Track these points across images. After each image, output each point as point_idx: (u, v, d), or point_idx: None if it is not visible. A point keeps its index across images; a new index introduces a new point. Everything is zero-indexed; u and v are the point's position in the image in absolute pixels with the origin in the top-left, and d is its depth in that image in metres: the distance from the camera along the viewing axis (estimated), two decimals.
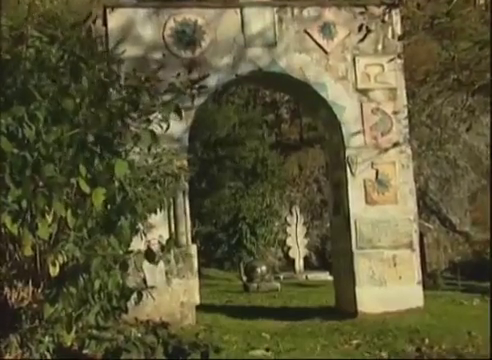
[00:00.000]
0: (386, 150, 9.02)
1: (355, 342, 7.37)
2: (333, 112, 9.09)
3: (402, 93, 9.22)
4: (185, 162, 7.03)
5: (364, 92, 9.11)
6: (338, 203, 9.40)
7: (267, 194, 20.16)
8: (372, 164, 9.02)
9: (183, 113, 4.19)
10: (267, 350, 6.95)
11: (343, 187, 9.14)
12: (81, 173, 3.51)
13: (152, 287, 4.26)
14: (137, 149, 4.17)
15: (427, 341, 7.07)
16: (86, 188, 3.55)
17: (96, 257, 3.70)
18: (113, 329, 5.20)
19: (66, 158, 3.53)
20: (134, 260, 4.02)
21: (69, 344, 4.06)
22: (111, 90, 3.88)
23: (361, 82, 9.09)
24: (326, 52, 9.08)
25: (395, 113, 9.10)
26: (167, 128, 3.92)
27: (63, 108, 3.51)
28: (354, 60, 9.10)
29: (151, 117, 4.02)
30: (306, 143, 24.49)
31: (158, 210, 4.36)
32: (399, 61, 9.09)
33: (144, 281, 4.41)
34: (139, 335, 5.28)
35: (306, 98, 9.84)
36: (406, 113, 9.24)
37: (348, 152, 9.02)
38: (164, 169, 4.51)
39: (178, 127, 7.75)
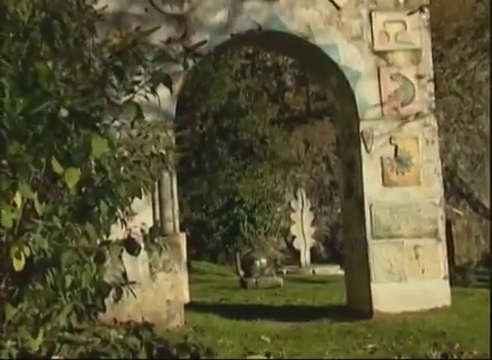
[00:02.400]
0: (407, 122, 9.04)
1: (370, 346, 7.44)
2: (345, 78, 9.08)
3: (428, 55, 9.21)
4: (173, 139, 7.05)
5: (382, 54, 9.10)
6: (351, 185, 9.44)
7: (267, 175, 20.18)
8: (391, 139, 9.04)
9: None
10: (267, 355, 7.02)
11: (356, 166, 9.17)
12: (53, 151, 3.53)
13: (133, 283, 4.28)
14: (118, 123, 4.18)
15: (455, 346, 7.12)
16: (59, 168, 3.56)
17: (67, 250, 3.72)
18: (88, 332, 5.25)
19: (35, 134, 3.54)
20: (112, 251, 4.05)
21: (36, 349, 4.10)
22: (91, 55, 3.89)
23: (379, 42, 9.08)
24: (338, 7, 9.05)
25: (419, 79, 9.10)
26: (152, 94, 3.94)
27: (33, 74, 3.51)
28: (371, 16, 9.07)
29: (135, 87, 4.03)
30: (313, 115, 24.48)
31: (142, 194, 4.38)
32: (424, 17, 9.06)
33: (124, 276, 4.44)
34: (120, 337, 5.34)
35: (314, 62, 9.82)
36: (432, 79, 9.24)
37: (363, 125, 9.04)
38: (149, 147, 4.52)
39: (163, 96, 7.75)
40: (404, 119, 9.06)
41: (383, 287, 8.83)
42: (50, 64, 3.64)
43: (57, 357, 4.37)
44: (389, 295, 8.80)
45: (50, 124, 3.57)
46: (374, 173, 8.99)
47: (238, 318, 9.10)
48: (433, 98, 9.23)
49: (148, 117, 4.72)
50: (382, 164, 9.02)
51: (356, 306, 9.28)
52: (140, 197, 4.24)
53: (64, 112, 3.58)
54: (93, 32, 4.08)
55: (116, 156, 4.14)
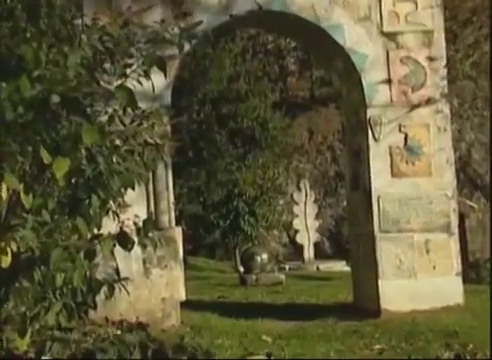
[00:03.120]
0: (418, 109, 9.03)
1: (378, 347, 7.46)
2: (352, 62, 9.07)
3: (440, 37, 9.19)
4: (168, 127, 7.05)
5: (391, 36, 9.08)
6: (357, 176, 9.44)
7: (269, 165, 20.18)
8: (400, 127, 9.03)
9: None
10: (269, 356, 7.04)
11: (363, 156, 9.17)
12: (42, 139, 3.53)
13: (126, 279, 4.30)
14: (109, 110, 4.18)
15: (468, 346, 7.13)
16: (47, 157, 3.57)
17: (56, 247, 3.73)
18: (78, 331, 5.26)
19: (22, 121, 3.54)
20: (104, 246, 4.06)
21: (23, 349, 4.11)
22: (80, 36, 3.88)
23: (388, 23, 9.06)
24: None
25: (431, 62, 9.08)
26: (145, 78, 3.93)
27: (18, 57, 3.50)
28: None
29: (127, 71, 4.03)
30: (318, 101, 24.46)
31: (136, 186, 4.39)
32: None
33: (116, 272, 4.45)
34: (118, 332, 5.37)
35: (318, 45, 9.81)
36: (445, 62, 9.22)
37: (370, 112, 9.03)
38: (143, 135, 4.52)
39: (158, 81, 7.74)
40: (414, 105, 9.05)
41: (391, 284, 8.85)
42: (35, 46, 3.63)
43: (47, 357, 4.38)
44: (398, 293, 8.82)
45: (40, 111, 3.56)
46: (382, 163, 8.99)
47: (237, 317, 9.12)
48: (446, 83, 9.21)
49: (141, 103, 4.71)
50: (391, 153, 9.02)
51: (363, 304, 9.30)
52: (133, 189, 4.26)
53: (55, 98, 3.57)
54: (81, 11, 4.07)
55: (108, 145, 4.14)
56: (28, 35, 3.70)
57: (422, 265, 8.88)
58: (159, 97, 8.26)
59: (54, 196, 3.87)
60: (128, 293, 4.35)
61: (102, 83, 4.03)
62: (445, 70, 9.22)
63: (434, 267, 8.90)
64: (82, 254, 3.86)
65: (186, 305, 8.94)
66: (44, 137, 3.57)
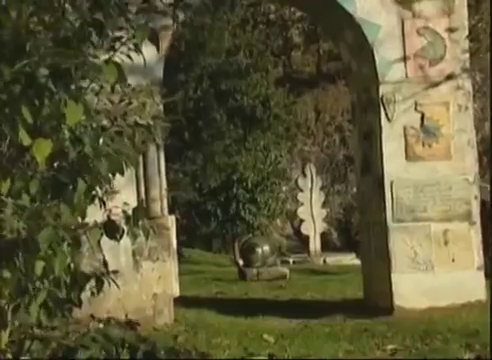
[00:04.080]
0: (436, 85, 9.02)
1: (390, 347, 7.47)
2: (363, 33, 9.05)
3: (462, 4, 9.15)
4: (161, 106, 7.06)
5: (407, 4, 9.05)
6: (368, 160, 9.44)
7: (271, 147, 20.17)
8: (416, 105, 9.02)
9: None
10: (271, 357, 7.07)
11: (375, 137, 9.16)
12: (21, 118, 3.52)
13: (114, 272, 4.32)
14: (96, 87, 4.18)
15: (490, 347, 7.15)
16: (26, 139, 3.56)
17: (46, 227, 3.72)
18: (61, 330, 5.27)
19: (2, 98, 3.53)
20: (89, 236, 4.07)
21: (1, 348, 4.13)
22: (65, 5, 3.86)
23: None
24: None
25: (451, 33, 9.06)
26: (136, 52, 3.92)
27: None
28: None
29: (116, 44, 4.02)
30: (325, 77, 24.41)
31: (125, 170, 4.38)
32: None
33: (103, 265, 4.46)
34: (101, 326, 5.37)
35: (325, 14, 9.78)
36: (466, 33, 9.19)
37: (383, 89, 9.02)
38: (133, 115, 4.52)
39: (149, 55, 7.72)
40: (432, 81, 9.04)
41: (406, 279, 8.87)
42: (14, 14, 3.62)
43: (26, 358, 4.40)
44: (413, 288, 8.83)
45: (26, 86, 3.56)
46: (396, 145, 8.99)
47: (236, 315, 9.14)
48: (467, 56, 9.18)
49: (131, 80, 4.71)
50: (405, 135, 9.01)
51: (374, 301, 9.32)
52: (122, 173, 4.25)
53: (43, 71, 3.56)
54: None
55: (94, 126, 4.14)
56: (5, 1, 3.68)
57: (440, 258, 8.89)
58: (151, 73, 8.24)
59: (36, 179, 3.87)
60: (118, 288, 4.36)
61: (89, 57, 4.02)
62: (467, 42, 9.18)
63: (453, 260, 8.91)
64: (66, 244, 3.86)
65: (180, 301, 8.96)
66: (25, 116, 3.56)
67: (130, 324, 7.57)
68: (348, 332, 8.07)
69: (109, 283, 4.19)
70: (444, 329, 7.85)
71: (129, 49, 4.01)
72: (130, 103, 4.47)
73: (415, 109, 9.02)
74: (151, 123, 4.64)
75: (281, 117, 19.84)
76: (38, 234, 3.69)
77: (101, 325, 5.84)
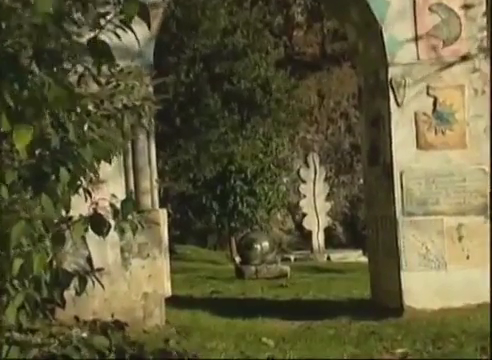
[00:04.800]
0: (450, 67, 9.01)
1: (400, 351, 7.49)
2: (370, 10, 9.04)
3: None
4: (150, 89, 7.06)
5: None
6: (376, 148, 9.44)
7: (271, 136, 20.18)
8: (428, 89, 9.01)
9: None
10: None
11: (384, 124, 9.16)
12: (3, 102, 3.51)
13: (101, 270, 4.31)
14: (80, 68, 4.16)
15: None
16: (5, 125, 3.55)
17: (18, 221, 3.71)
18: (43, 333, 5.28)
19: None
20: (73, 231, 4.06)
21: None
22: None
23: None
24: None
25: (467, 9, 9.04)
26: (124, 30, 3.90)
27: None
28: None
29: (102, 22, 4.00)
30: (329, 59, 24.40)
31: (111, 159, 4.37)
32: None
33: (89, 262, 4.46)
34: (84, 335, 5.38)
35: None
36: (484, 9, 9.17)
37: (392, 71, 9.01)
38: (121, 98, 4.51)
39: (139, 34, 7.71)
40: (446, 63, 9.02)
41: (417, 277, 8.87)
42: None
43: None
44: (424, 287, 8.84)
45: (8, 69, 3.54)
46: (406, 133, 8.98)
47: (233, 316, 9.15)
48: (485, 34, 9.16)
49: (119, 60, 4.69)
50: (417, 121, 9.00)
51: (382, 301, 9.33)
52: (109, 162, 4.24)
53: (27, 52, 3.55)
54: None
55: (78, 110, 4.13)
56: None
57: (453, 254, 8.89)
58: (140, 53, 8.23)
59: (15, 168, 3.86)
60: (103, 287, 4.36)
61: (73, 36, 4.01)
62: (484, 19, 9.16)
63: (468, 257, 8.91)
64: (48, 239, 3.86)
65: (172, 302, 8.97)
66: (7, 101, 3.54)
67: (118, 326, 7.58)
68: (354, 335, 8.08)
69: (93, 282, 4.18)
70: (458, 331, 7.86)
71: (116, 27, 3.99)
72: (117, 85, 4.45)
73: (427, 93, 9.01)
74: (140, 107, 4.63)
75: (282, 102, 19.84)
76: (11, 229, 3.68)
77: (84, 334, 5.84)
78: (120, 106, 4.49)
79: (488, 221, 9.00)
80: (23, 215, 3.76)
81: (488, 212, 9.01)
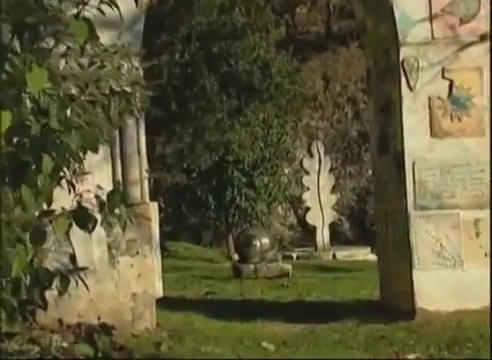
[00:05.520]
0: (468, 48, 8.99)
1: (412, 357, 7.50)
2: None
3: None
4: (141, 71, 7.05)
5: None
6: (386, 136, 9.43)
7: (272, 122, 20.17)
8: (444, 71, 9.00)
9: None
10: None
11: (395, 110, 9.15)
12: None
13: (85, 269, 4.31)
14: (62, 48, 4.15)
15: None
16: None
17: None
18: (23, 337, 5.28)
19: None
20: (56, 226, 4.05)
21: None
22: None
23: None
24: None
25: None
26: (109, 5, 3.89)
27: None
28: None
29: None
30: (335, 39, 24.38)
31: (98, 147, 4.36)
32: None
33: (72, 260, 4.45)
34: (64, 344, 5.38)
35: None
36: None
37: (404, 52, 8.99)
38: (108, 82, 4.50)
39: (126, 9, 7.70)
40: (463, 43, 9.01)
41: (430, 276, 8.87)
42: None
43: None
44: (438, 287, 8.84)
45: None
46: (419, 119, 8.97)
47: (230, 319, 9.16)
48: None
49: (105, 39, 4.68)
50: (431, 106, 8.99)
51: (393, 302, 9.34)
52: (95, 151, 4.23)
53: (6, 28, 3.53)
54: None
55: (61, 94, 4.12)
56: None
57: (470, 251, 8.89)
58: (128, 31, 8.21)
59: None
60: (87, 288, 4.35)
61: (53, 12, 4.00)
62: None
63: (486, 254, 8.91)
64: (28, 235, 3.85)
65: (164, 303, 8.97)
66: None
67: (104, 329, 7.58)
68: (362, 339, 8.10)
69: (77, 282, 4.17)
70: (475, 335, 7.88)
71: (101, 2, 3.98)
72: (103, 66, 4.44)
73: (442, 76, 9.00)
74: (129, 91, 4.62)
75: (283, 86, 19.84)
76: None
77: (65, 344, 5.84)
78: (107, 91, 4.48)
79: None
80: (3, 217, 3.76)
81: None
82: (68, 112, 4.10)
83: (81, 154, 4.23)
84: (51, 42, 4.04)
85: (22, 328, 4.72)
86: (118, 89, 4.56)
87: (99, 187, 4.32)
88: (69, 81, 4.30)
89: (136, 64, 5.44)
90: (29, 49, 3.68)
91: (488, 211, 8.95)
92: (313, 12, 24.55)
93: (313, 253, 19.72)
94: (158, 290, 8.70)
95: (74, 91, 4.32)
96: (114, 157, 8.51)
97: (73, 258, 4.53)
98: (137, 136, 8.65)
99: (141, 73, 7.04)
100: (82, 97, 4.30)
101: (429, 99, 8.99)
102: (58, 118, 4.00)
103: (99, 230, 4.25)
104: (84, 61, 4.37)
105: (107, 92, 4.47)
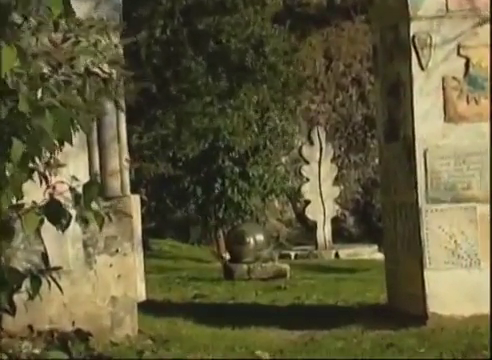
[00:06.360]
0: (486, 22, 9.00)
1: None
2: None
3: None
4: (120, 49, 7.04)
5: None
6: (395, 121, 9.44)
7: (267, 106, 20.16)
8: (459, 48, 9.01)
9: None
10: None
11: (405, 92, 9.15)
12: None
13: (58, 269, 4.31)
14: (33, 22, 4.15)
15: None
16: None
17: None
18: None
19: None
20: (26, 222, 4.05)
21: None
22: None
23: None
24: None
25: None
26: None
27: None
28: None
29: None
30: (338, 12, 24.39)
31: (73, 134, 4.35)
32: None
33: (44, 259, 4.44)
34: (36, 351, 5.39)
35: None
36: None
37: (415, 27, 9.00)
38: (83, 60, 4.49)
39: None
40: (481, 16, 9.01)
41: (444, 277, 8.89)
42: None
43: None
44: (453, 289, 8.86)
45: None
46: (432, 102, 8.98)
47: (221, 325, 9.17)
48: None
49: (80, 12, 4.68)
50: (445, 87, 9.00)
51: (402, 306, 9.36)
52: (69, 140, 4.21)
53: None
54: None
55: (31, 74, 4.12)
56: None
57: (488, 249, 8.91)
58: (106, 3, 8.21)
59: None
60: (61, 291, 4.35)
61: None
62: None
63: None
64: None
65: (146, 308, 8.98)
66: None
67: (80, 336, 7.58)
68: (367, 347, 8.11)
69: (50, 284, 4.17)
70: None
71: None
72: (78, 42, 4.43)
73: (458, 53, 9.00)
74: (108, 71, 4.61)
75: (280, 66, 19.81)
76: None
77: (37, 350, 5.84)
78: (82, 70, 4.48)
79: None
80: None
81: None
82: (39, 94, 4.10)
83: (56, 142, 4.22)
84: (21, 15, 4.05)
85: None
86: (95, 69, 4.56)
87: (74, 178, 4.32)
88: (40, 59, 4.30)
89: (115, 40, 5.43)
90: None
91: None
92: None
93: (313, 252, 19.73)
94: (140, 293, 8.71)
95: (46, 70, 4.31)
96: (91, 145, 8.50)
97: (45, 257, 4.53)
98: (117, 122, 8.63)
99: (121, 51, 7.04)
100: (55, 77, 4.29)
101: (443, 79, 9.00)
102: (28, 100, 4.00)
103: (74, 226, 4.26)
104: (57, 37, 4.36)
105: (82, 72, 4.46)
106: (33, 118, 3.98)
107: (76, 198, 4.19)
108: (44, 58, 4.31)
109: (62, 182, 4.28)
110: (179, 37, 18.58)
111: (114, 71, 4.82)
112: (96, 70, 4.56)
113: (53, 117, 4.02)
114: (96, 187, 4.32)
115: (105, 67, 4.68)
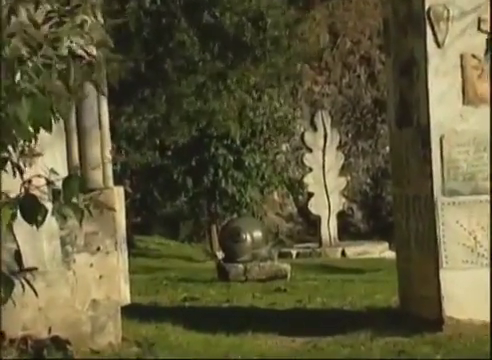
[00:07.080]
0: None
1: None
2: None
3: None
4: (104, 28, 7.06)
5: None
6: (408, 104, 9.45)
7: (266, 88, 20.17)
8: (480, 22, 9.01)
9: None
10: None
11: (419, 71, 9.17)
12: None
13: (32, 270, 4.32)
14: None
15: None
16: None
17: None
18: None
19: None
20: None
21: None
22: None
23: None
24: None
25: None
26: None
27: None
28: None
29: None
30: None
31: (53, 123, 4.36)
32: None
33: (17, 259, 4.46)
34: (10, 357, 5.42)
35: None
36: None
37: None
38: (66, 41, 4.49)
39: None
40: None
41: (461, 278, 8.91)
42: None
43: None
44: (471, 291, 8.88)
45: None
46: (449, 82, 8.99)
47: (214, 330, 9.19)
48: None
49: None
50: (463, 66, 9.01)
51: (415, 310, 9.38)
52: (49, 127, 4.22)
53: None
54: None
55: (8, 55, 4.13)
56: None
57: None
58: None
59: None
60: (36, 294, 4.36)
61: None
62: None
63: None
64: None
65: (131, 312, 8.99)
66: None
67: (57, 344, 7.59)
68: (377, 355, 8.14)
69: (23, 286, 4.18)
70: None
71: None
72: (63, 23, 4.43)
73: (478, 28, 9.01)
74: (94, 54, 4.61)
75: (280, 42, 19.81)
76: None
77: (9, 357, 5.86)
78: (64, 52, 4.48)
79: None
80: None
81: None
82: (17, 77, 4.10)
83: (32, 130, 4.23)
84: None
85: None
86: (79, 51, 4.56)
87: (52, 171, 4.32)
88: (18, 40, 4.30)
89: (100, 18, 5.45)
90: None
91: None
92: None
93: (317, 250, 19.76)
94: (124, 296, 8.72)
95: (24, 52, 4.32)
96: (69, 132, 8.50)
97: (18, 256, 4.55)
98: (98, 106, 8.63)
99: (104, 31, 7.05)
100: (34, 59, 4.30)
101: (461, 57, 9.01)
102: (4, 84, 4.01)
103: (50, 221, 4.26)
104: (38, 16, 4.36)
105: (65, 54, 4.46)
106: (8, 105, 3.99)
107: (54, 192, 4.19)
108: (22, 39, 4.31)
109: (39, 176, 4.29)
110: (170, 9, 18.56)
111: (101, 54, 4.82)
112: (81, 52, 4.56)
113: (30, 105, 4.03)
114: (77, 182, 4.32)
115: (91, 49, 4.68)
